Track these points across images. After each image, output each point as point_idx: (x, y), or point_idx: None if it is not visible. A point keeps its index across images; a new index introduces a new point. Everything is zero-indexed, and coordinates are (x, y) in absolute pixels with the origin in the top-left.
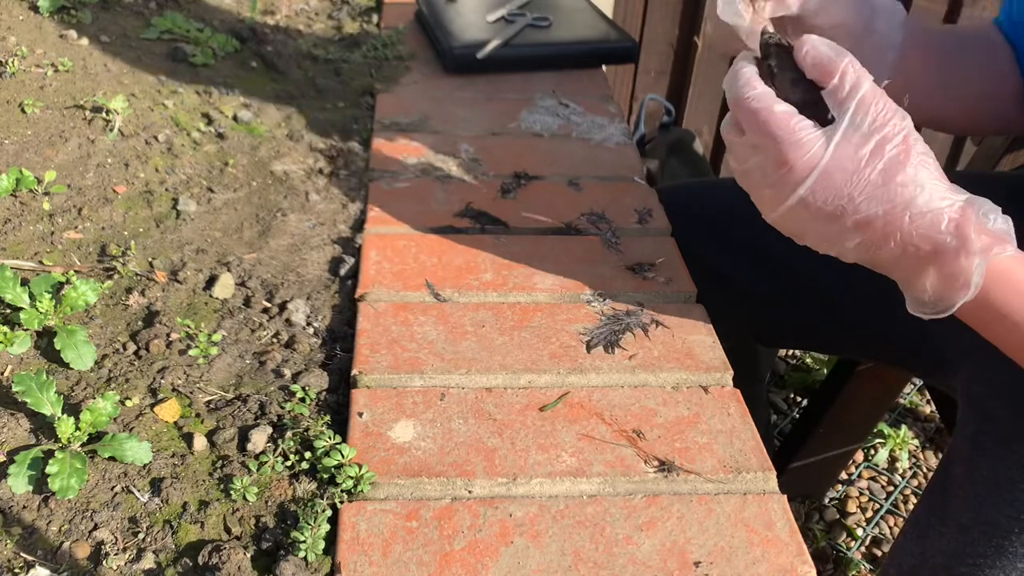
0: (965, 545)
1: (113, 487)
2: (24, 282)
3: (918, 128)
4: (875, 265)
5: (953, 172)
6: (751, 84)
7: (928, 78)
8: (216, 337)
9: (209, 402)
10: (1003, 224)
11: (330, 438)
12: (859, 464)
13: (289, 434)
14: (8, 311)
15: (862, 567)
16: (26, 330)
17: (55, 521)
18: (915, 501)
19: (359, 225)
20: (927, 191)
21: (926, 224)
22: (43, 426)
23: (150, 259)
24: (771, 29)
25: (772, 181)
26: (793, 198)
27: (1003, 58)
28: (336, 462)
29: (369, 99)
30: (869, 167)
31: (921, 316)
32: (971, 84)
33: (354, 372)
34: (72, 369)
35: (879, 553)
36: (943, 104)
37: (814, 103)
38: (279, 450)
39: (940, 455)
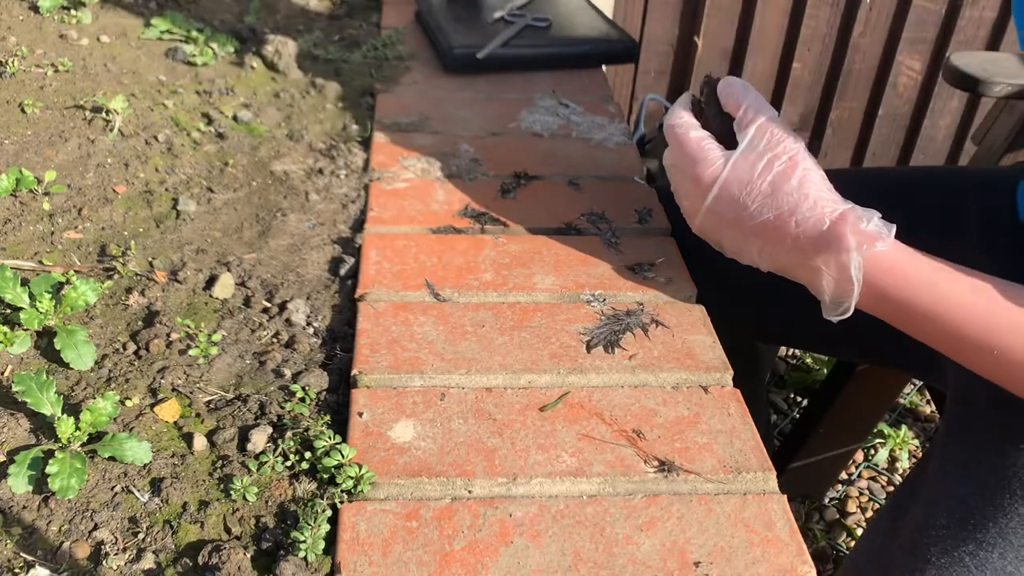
0: (931, 518)
1: (113, 487)
2: (24, 282)
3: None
4: (784, 272)
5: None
6: (679, 114)
7: None
8: (216, 337)
9: (209, 402)
10: (879, 225)
11: (330, 438)
12: (859, 464)
13: (289, 434)
14: (8, 311)
15: None
16: (26, 330)
17: (55, 521)
18: None
19: (359, 225)
20: (810, 199)
21: (809, 227)
22: (43, 426)
23: (150, 259)
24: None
25: (687, 194)
26: (703, 208)
27: None
28: (336, 462)
29: (369, 99)
30: (760, 179)
31: (832, 319)
32: None
33: (354, 372)
34: (72, 369)
35: None
36: None
37: (730, 133)
38: (279, 450)
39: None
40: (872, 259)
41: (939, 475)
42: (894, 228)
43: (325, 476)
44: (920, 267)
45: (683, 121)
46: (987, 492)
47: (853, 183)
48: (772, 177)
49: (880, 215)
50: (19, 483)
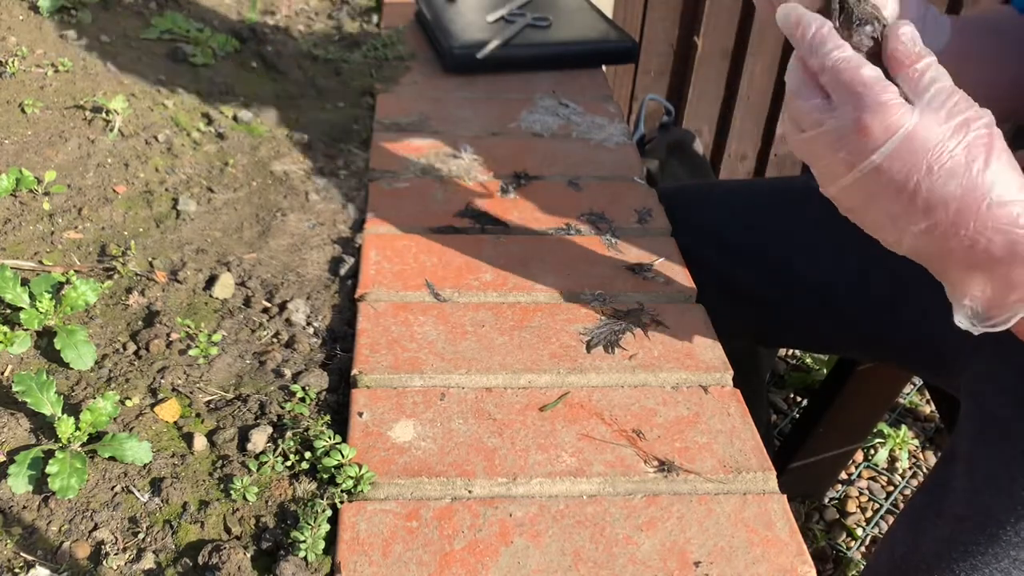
0: (959, 534)
1: (113, 487)
2: (24, 282)
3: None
4: (931, 259)
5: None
6: (836, 43)
7: (979, 67)
8: (216, 337)
9: (209, 402)
10: None
11: (330, 438)
12: (859, 464)
13: (289, 434)
14: (8, 311)
15: (862, 567)
16: (26, 330)
17: (55, 521)
18: None
19: (359, 225)
20: (1010, 182)
21: (1004, 216)
22: (43, 426)
23: (150, 259)
24: None
25: (847, 145)
26: (867, 164)
27: None
28: (336, 462)
29: (369, 99)
30: (954, 140)
31: (971, 330)
32: (1009, 75)
33: (354, 372)
34: (72, 369)
35: None
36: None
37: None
38: (279, 450)
39: (939, 455)
40: None
41: (967, 488)
42: None
43: (325, 476)
44: None
45: (846, 55)
46: (1021, 508)
47: None
48: (968, 141)
49: None
50: (19, 483)
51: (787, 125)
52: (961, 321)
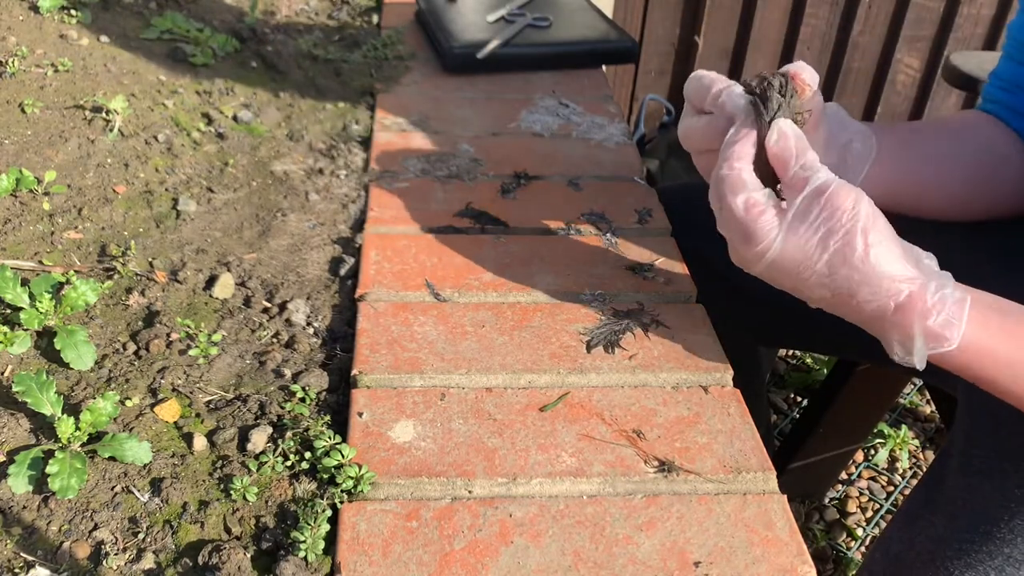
0: (953, 531)
1: (113, 487)
2: (24, 282)
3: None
4: (843, 316)
5: None
6: (734, 156)
7: (908, 176)
8: (216, 337)
9: (209, 402)
10: (950, 315)
11: (330, 438)
12: (859, 464)
13: (289, 434)
14: (8, 311)
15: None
16: (26, 330)
17: (55, 521)
18: None
19: (359, 225)
20: (871, 281)
21: (871, 311)
22: (43, 426)
23: (150, 259)
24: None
25: (741, 253)
26: (757, 269)
27: (1000, 143)
28: (336, 462)
29: (369, 99)
30: (815, 259)
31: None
32: (962, 175)
33: (354, 372)
34: (72, 369)
35: None
36: (925, 195)
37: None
38: (279, 450)
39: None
40: (943, 355)
41: (960, 485)
42: (967, 303)
43: (325, 476)
44: (998, 346)
45: (733, 175)
46: (1014, 505)
47: None
48: (828, 257)
49: (952, 284)
50: (19, 483)
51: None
52: (896, 356)
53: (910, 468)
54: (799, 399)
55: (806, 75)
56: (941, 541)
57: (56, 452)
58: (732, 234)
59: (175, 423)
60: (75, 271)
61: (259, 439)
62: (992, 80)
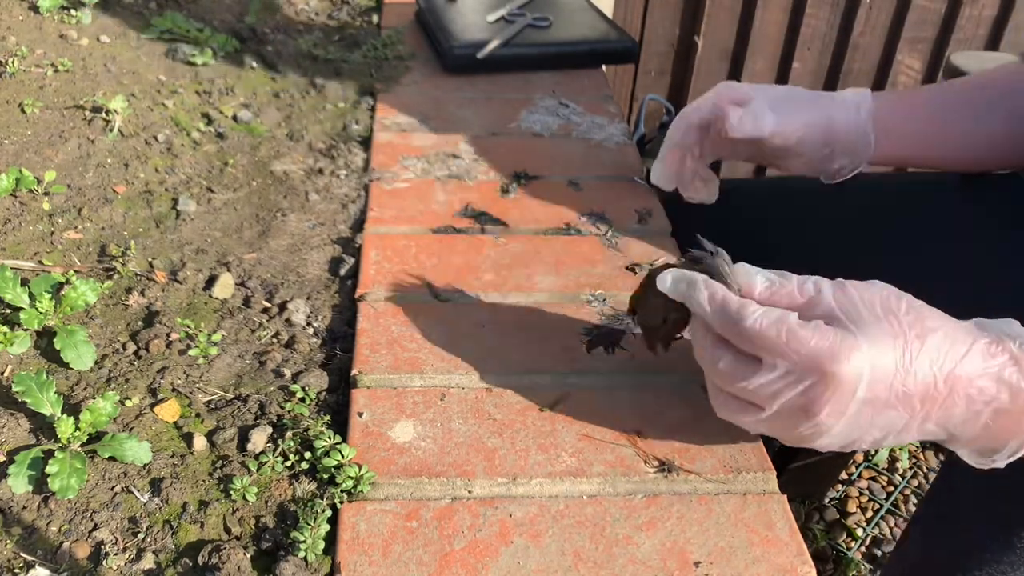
0: (971, 542)
1: (113, 487)
2: (24, 282)
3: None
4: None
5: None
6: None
7: (924, 139)
8: (216, 337)
9: (209, 402)
10: None
11: (330, 438)
12: (859, 464)
13: (289, 434)
14: (8, 311)
15: (862, 567)
16: (26, 330)
17: (55, 521)
18: (915, 501)
19: (359, 225)
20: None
21: (982, 386)
22: (43, 426)
23: (150, 259)
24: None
25: (818, 400)
26: (853, 406)
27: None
28: (336, 462)
29: (369, 99)
30: (901, 353)
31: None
32: (986, 131)
33: (354, 372)
34: (72, 369)
35: (879, 553)
36: (947, 154)
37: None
38: (279, 450)
39: (940, 455)
40: None
41: (975, 494)
42: None
43: (325, 476)
44: None
45: (773, 315)
46: None
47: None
48: (917, 350)
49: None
50: (19, 483)
51: (732, 406)
52: (969, 459)
53: (910, 468)
54: None
55: (732, 119)
56: (960, 553)
57: (56, 452)
58: (807, 371)
59: (175, 423)
60: (75, 271)
61: (259, 439)
62: None
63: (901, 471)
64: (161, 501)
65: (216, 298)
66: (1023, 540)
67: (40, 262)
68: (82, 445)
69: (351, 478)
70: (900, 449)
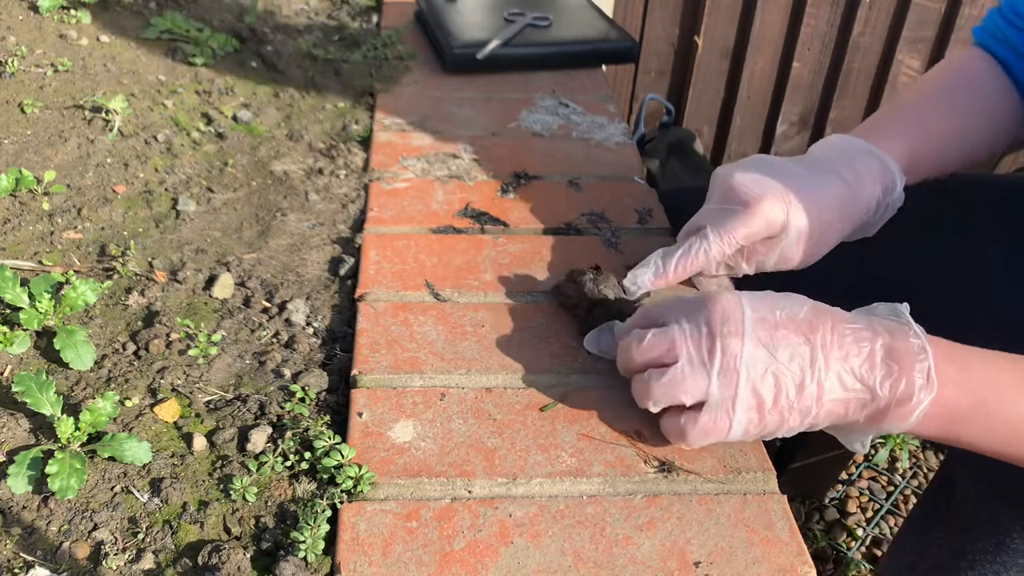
0: (965, 542)
1: (113, 487)
2: (24, 282)
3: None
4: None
5: (948, 175)
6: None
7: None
8: (216, 337)
9: (209, 402)
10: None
11: (330, 438)
12: (859, 464)
13: (289, 434)
14: (8, 311)
15: (862, 567)
16: (26, 330)
17: (55, 521)
18: (915, 501)
19: (359, 225)
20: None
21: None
22: (43, 426)
23: (150, 259)
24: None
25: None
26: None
27: (993, 88)
28: (336, 462)
29: (369, 99)
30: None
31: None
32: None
33: (354, 372)
34: (72, 369)
35: (879, 553)
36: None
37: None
38: (279, 450)
39: (940, 455)
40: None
41: (970, 494)
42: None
43: (325, 476)
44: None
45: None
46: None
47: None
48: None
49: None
50: (19, 483)
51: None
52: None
53: (910, 468)
54: None
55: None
56: (953, 552)
57: (56, 452)
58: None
59: (175, 423)
60: (75, 271)
61: (259, 439)
62: (1004, 12)
63: (901, 471)
64: (161, 501)
65: (216, 298)
66: (1015, 541)
67: (40, 262)
68: (82, 445)
69: (351, 478)
70: (900, 449)
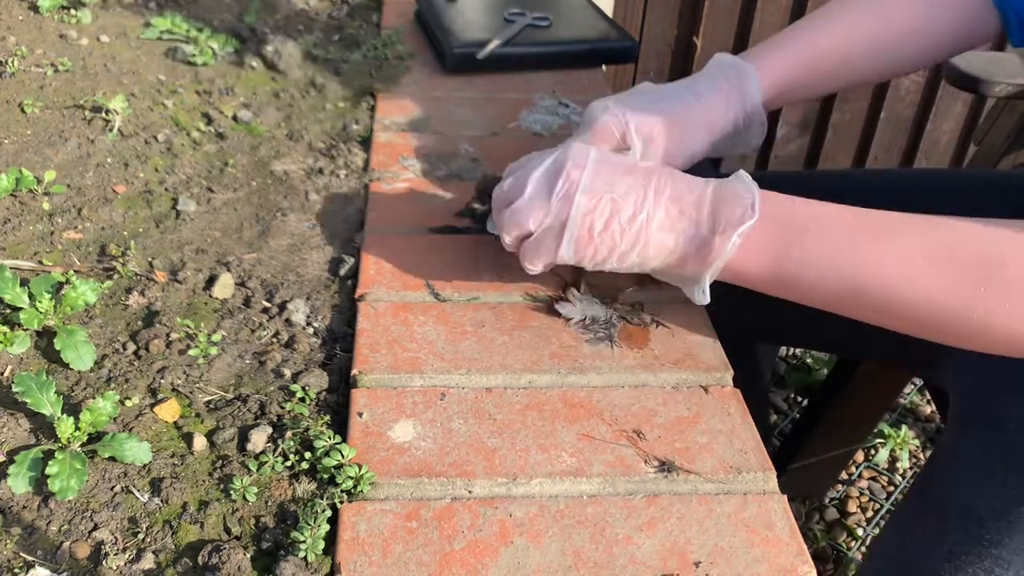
0: (943, 532)
1: (113, 487)
2: (24, 282)
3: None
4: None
5: (960, 169)
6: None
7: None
8: (216, 337)
9: (209, 402)
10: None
11: (330, 438)
12: (859, 464)
13: (289, 434)
14: (8, 311)
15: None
16: (26, 330)
17: (55, 521)
18: None
19: (359, 225)
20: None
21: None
22: (43, 426)
23: (150, 259)
24: None
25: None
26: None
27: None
28: (336, 462)
29: (369, 99)
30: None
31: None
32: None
33: (354, 372)
34: (72, 369)
35: None
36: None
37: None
38: (279, 450)
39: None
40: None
41: (950, 485)
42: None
43: (325, 476)
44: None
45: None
46: (1000, 505)
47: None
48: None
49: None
50: (19, 483)
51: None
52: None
53: (910, 468)
54: (799, 399)
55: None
56: (931, 544)
57: (56, 452)
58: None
59: (175, 423)
60: (75, 271)
61: (259, 439)
62: None
63: (901, 471)
64: (161, 501)
65: (216, 298)
66: (989, 532)
67: (40, 262)
68: (82, 445)
69: (351, 478)
70: (900, 449)
